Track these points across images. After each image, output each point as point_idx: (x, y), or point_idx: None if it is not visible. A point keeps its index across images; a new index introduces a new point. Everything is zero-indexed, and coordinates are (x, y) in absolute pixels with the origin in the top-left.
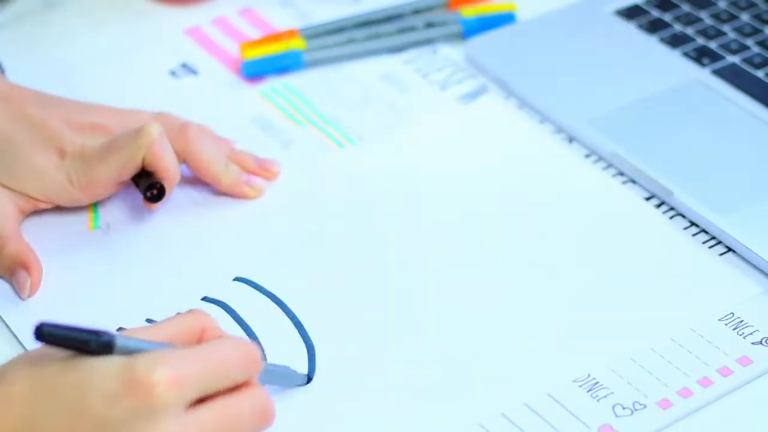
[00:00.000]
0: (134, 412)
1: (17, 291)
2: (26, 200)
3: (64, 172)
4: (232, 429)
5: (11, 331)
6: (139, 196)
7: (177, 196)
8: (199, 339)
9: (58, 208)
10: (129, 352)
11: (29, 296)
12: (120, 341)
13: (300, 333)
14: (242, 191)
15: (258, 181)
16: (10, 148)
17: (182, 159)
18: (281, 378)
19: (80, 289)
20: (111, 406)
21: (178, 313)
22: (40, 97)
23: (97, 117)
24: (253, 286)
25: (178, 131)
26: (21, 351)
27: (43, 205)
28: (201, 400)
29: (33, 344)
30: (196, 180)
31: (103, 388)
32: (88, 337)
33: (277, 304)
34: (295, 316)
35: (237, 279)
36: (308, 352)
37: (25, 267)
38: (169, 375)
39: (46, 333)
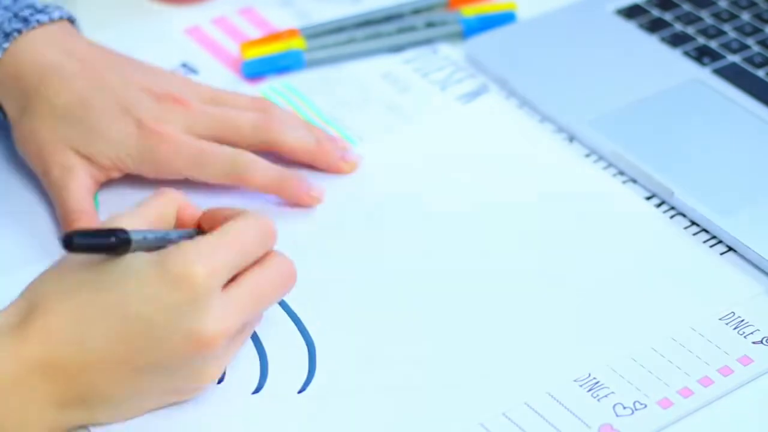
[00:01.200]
0: (180, 305)
1: None
2: (100, 169)
3: (137, 144)
4: (265, 297)
5: None
6: (139, 195)
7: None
8: (179, 217)
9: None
10: (146, 244)
11: None
12: (136, 236)
13: (300, 331)
14: (338, 167)
15: (353, 155)
16: (88, 114)
17: (270, 150)
18: None
19: None
20: (156, 306)
21: (150, 197)
22: (118, 59)
23: (175, 87)
24: None
25: (261, 122)
26: None
27: (116, 174)
28: (232, 280)
29: None
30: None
31: (145, 291)
32: (109, 237)
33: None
34: (295, 314)
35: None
36: (308, 350)
37: None
38: (204, 267)
39: (76, 244)
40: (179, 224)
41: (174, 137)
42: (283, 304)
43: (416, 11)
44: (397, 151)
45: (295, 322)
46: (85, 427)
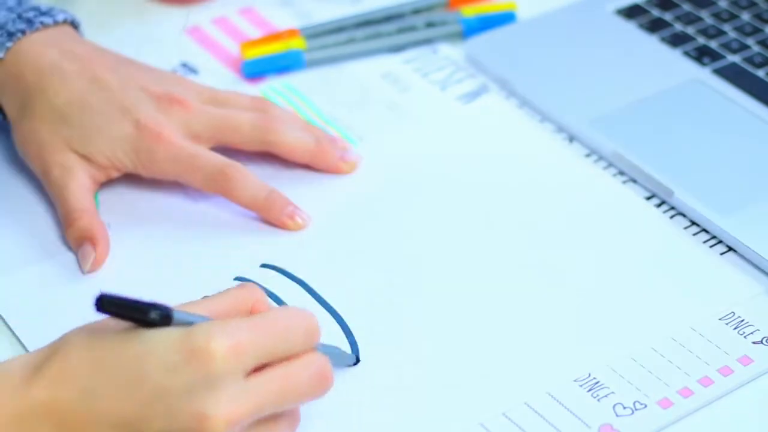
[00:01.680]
0: (194, 381)
1: (80, 264)
2: (99, 169)
3: (135, 145)
4: (291, 394)
5: (11, 331)
6: (139, 195)
7: (177, 196)
8: (251, 313)
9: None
10: (186, 324)
11: (90, 271)
12: (177, 314)
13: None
14: (338, 167)
15: (352, 155)
16: (86, 114)
17: (269, 150)
18: (332, 358)
19: (80, 288)
20: (170, 377)
21: (230, 288)
22: (118, 59)
23: (174, 87)
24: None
25: (260, 122)
26: (21, 351)
27: (114, 174)
28: (260, 369)
29: (33, 344)
30: None
31: (163, 359)
32: (148, 309)
33: (276, 302)
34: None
35: (237, 278)
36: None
37: (93, 242)
38: (227, 343)
39: (107, 303)
40: None
41: (170, 140)
42: (278, 301)
43: (416, 11)
44: (397, 151)
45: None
46: None
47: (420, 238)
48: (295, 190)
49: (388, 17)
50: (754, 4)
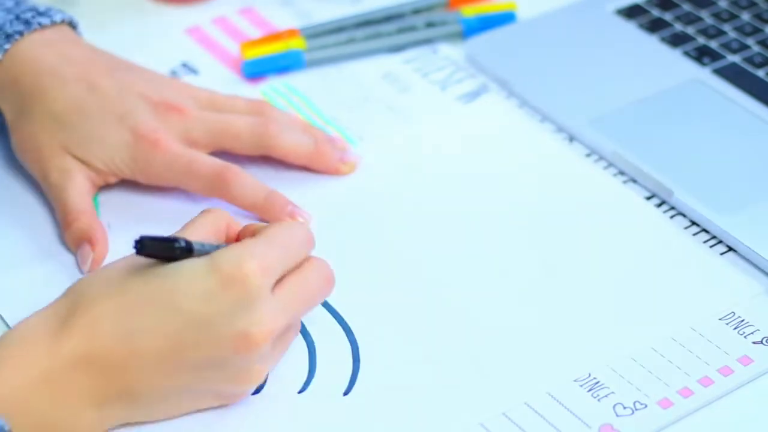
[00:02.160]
0: (232, 304)
1: (78, 264)
2: (97, 173)
3: (132, 153)
4: (312, 298)
5: None
6: (139, 195)
7: (177, 196)
8: (227, 233)
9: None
10: (203, 254)
11: (89, 272)
12: (197, 246)
13: (301, 332)
14: (337, 169)
15: (351, 156)
16: (84, 120)
17: (268, 153)
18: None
19: None
20: (207, 304)
21: (199, 216)
22: (115, 63)
23: (172, 94)
24: None
25: (258, 126)
26: None
27: (112, 179)
28: (276, 283)
29: None
30: None
31: (195, 288)
32: (173, 242)
33: None
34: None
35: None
36: (308, 351)
37: (91, 242)
38: (257, 264)
39: (146, 244)
40: (227, 241)
41: (167, 147)
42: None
43: (416, 11)
44: (397, 151)
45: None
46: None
47: (420, 238)
48: (294, 191)
49: (388, 17)
50: (754, 4)
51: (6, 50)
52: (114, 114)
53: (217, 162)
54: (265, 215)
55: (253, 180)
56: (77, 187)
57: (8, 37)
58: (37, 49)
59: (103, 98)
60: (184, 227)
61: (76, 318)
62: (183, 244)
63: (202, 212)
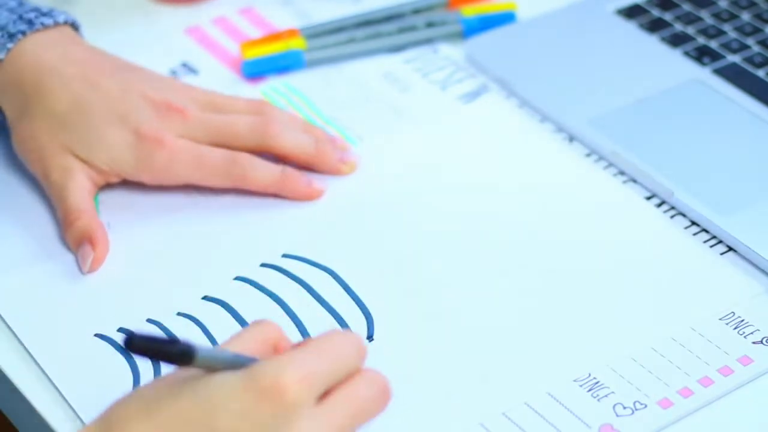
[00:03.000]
0: (271, 418)
1: (79, 264)
2: (98, 173)
3: (136, 152)
4: (361, 413)
5: (12, 331)
6: (139, 195)
7: (177, 195)
8: (276, 349)
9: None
10: (218, 362)
11: (89, 271)
12: (203, 350)
13: (300, 330)
14: (337, 169)
15: (351, 156)
16: (85, 119)
17: (268, 153)
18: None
19: (80, 288)
20: (246, 420)
21: (248, 327)
22: (117, 64)
23: (173, 95)
24: (254, 286)
25: (258, 126)
26: (22, 351)
27: (114, 179)
28: (326, 395)
29: (33, 344)
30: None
31: (230, 405)
32: (171, 345)
33: (277, 302)
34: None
35: (237, 278)
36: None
37: (92, 242)
38: (296, 374)
39: (136, 341)
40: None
41: (171, 143)
42: (280, 300)
43: (416, 11)
44: (397, 151)
45: (296, 324)
46: None
47: (419, 238)
48: None
49: (388, 17)
50: (754, 4)
51: (9, 49)
52: (116, 114)
53: (226, 151)
54: (284, 191)
55: (264, 161)
56: (78, 187)
57: (11, 36)
58: (39, 48)
59: (105, 98)
60: (231, 339)
61: None
62: (177, 348)
63: (251, 324)
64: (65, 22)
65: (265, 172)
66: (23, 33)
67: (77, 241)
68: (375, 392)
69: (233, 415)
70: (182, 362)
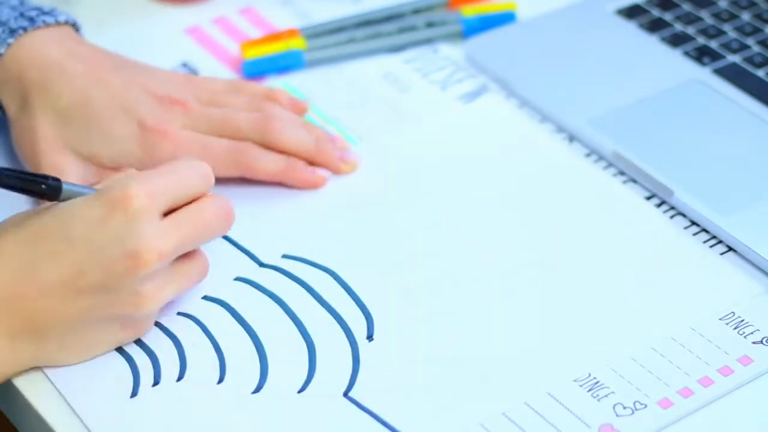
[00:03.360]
0: (118, 226)
1: None
2: (94, 170)
3: (140, 144)
4: (203, 230)
5: None
6: None
7: None
8: None
9: None
10: (76, 195)
11: None
12: (67, 185)
13: (300, 332)
14: (337, 167)
15: (352, 156)
16: (89, 114)
17: (269, 147)
18: None
19: None
20: (97, 229)
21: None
22: (119, 60)
23: (177, 89)
24: (254, 286)
25: (259, 122)
26: None
27: (112, 173)
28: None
29: None
30: None
31: (86, 216)
32: (40, 180)
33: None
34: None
35: (237, 278)
36: (308, 351)
37: None
38: (142, 187)
39: (6, 178)
40: None
41: (176, 135)
42: (283, 304)
43: (416, 11)
44: (397, 151)
45: (296, 324)
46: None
47: (419, 238)
48: (293, 191)
49: (388, 17)
50: (754, 4)
51: (9, 44)
52: (119, 108)
53: (231, 141)
54: (290, 178)
55: (267, 151)
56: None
57: (12, 31)
58: (41, 44)
59: (108, 93)
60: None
61: None
62: (44, 187)
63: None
64: (66, 22)
65: (271, 160)
66: (24, 29)
67: None
68: (217, 212)
69: (85, 222)
70: (50, 196)
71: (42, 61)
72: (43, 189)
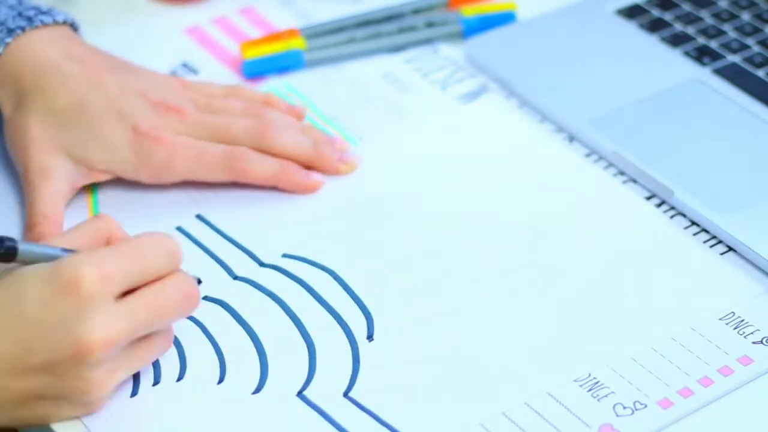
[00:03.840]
0: (66, 310)
1: None
2: (85, 173)
3: (135, 150)
4: (161, 313)
5: None
6: (138, 194)
7: (176, 195)
8: (108, 242)
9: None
10: (35, 257)
11: None
12: (23, 246)
13: (300, 332)
14: (336, 169)
15: (351, 156)
16: (84, 117)
17: (266, 153)
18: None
19: None
20: (45, 309)
21: (85, 220)
22: (116, 63)
23: (173, 95)
24: (254, 286)
25: (256, 128)
26: None
27: (102, 177)
28: (128, 294)
29: None
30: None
31: (36, 293)
32: None
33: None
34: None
35: (237, 278)
36: (308, 351)
37: None
38: (95, 271)
39: None
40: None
41: (170, 140)
42: (283, 303)
43: (416, 11)
44: (397, 151)
45: (296, 324)
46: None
47: (419, 238)
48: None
49: (388, 17)
50: (754, 4)
51: (7, 44)
52: (114, 112)
53: (225, 146)
54: (283, 183)
55: (262, 155)
56: (51, 191)
57: (10, 31)
58: (38, 44)
59: (104, 96)
60: (68, 231)
61: None
62: (5, 245)
63: (90, 218)
64: (64, 22)
65: (265, 164)
66: (22, 29)
67: None
68: (178, 293)
69: (37, 303)
70: (5, 259)
71: (39, 61)
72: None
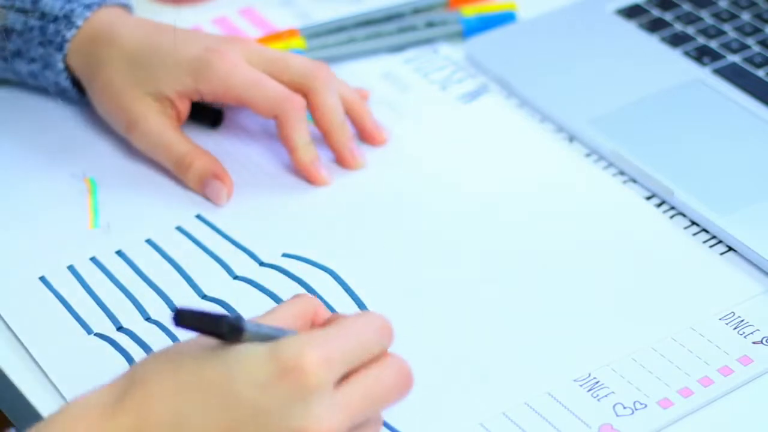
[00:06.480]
0: (289, 396)
1: (213, 200)
2: (171, 106)
3: (198, 63)
4: (381, 398)
5: (11, 331)
6: (140, 195)
7: (177, 195)
8: (313, 322)
9: (58, 206)
10: (259, 337)
11: (226, 203)
12: (249, 325)
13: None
14: (344, 157)
15: (362, 157)
16: (154, 53)
17: (305, 98)
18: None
19: (81, 287)
20: (263, 394)
21: (289, 300)
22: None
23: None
24: (254, 286)
25: (310, 71)
26: (22, 351)
27: (182, 106)
28: (344, 378)
29: (32, 344)
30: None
31: (253, 376)
32: (220, 320)
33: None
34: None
35: (237, 278)
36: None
37: (217, 176)
38: (318, 356)
39: (185, 317)
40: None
41: (235, 59)
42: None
43: (416, 11)
44: (397, 151)
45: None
46: None
47: (419, 238)
48: (293, 190)
49: (388, 17)
50: (754, 4)
51: (87, 18)
52: (183, 42)
53: (284, 88)
54: (298, 162)
55: (306, 125)
56: (173, 128)
57: (87, 6)
58: (107, 16)
59: (171, 41)
60: (269, 312)
61: (130, 396)
62: (225, 326)
63: (292, 297)
64: (123, 5)
65: (302, 133)
66: (99, 5)
67: (200, 180)
68: (396, 379)
69: (255, 386)
70: (231, 338)
71: (112, 23)
72: (224, 332)
